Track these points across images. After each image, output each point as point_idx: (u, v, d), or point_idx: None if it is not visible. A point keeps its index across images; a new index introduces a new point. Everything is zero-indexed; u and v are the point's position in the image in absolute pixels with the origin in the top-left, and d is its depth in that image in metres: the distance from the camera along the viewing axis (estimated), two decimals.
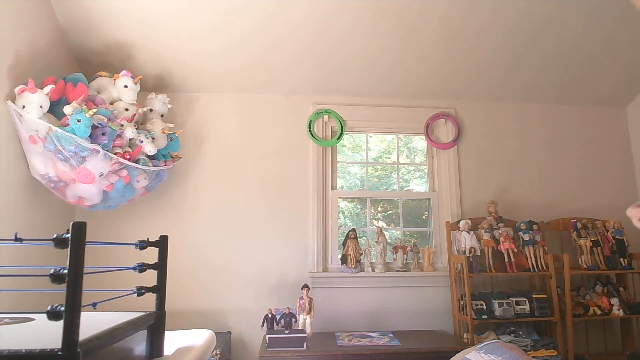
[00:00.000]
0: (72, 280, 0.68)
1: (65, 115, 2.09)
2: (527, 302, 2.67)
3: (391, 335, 2.59)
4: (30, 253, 2.22)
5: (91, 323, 0.84)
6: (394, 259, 2.95)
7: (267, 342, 2.31)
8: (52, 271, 0.69)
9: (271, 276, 2.86)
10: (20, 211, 2.22)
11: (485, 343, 2.11)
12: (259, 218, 2.93)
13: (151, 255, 1.09)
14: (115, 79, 2.45)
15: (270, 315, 2.54)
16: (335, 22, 2.56)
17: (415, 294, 2.93)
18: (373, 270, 2.89)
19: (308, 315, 2.52)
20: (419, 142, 3.36)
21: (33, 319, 0.96)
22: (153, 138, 2.47)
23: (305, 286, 2.57)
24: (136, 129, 2.38)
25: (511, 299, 2.67)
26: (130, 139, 2.35)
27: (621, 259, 2.83)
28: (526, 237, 2.81)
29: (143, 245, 1.04)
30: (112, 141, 2.21)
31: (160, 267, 1.09)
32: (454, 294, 2.78)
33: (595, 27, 2.68)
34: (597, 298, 2.80)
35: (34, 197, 2.32)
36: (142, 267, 1.04)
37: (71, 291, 0.68)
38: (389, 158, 3.49)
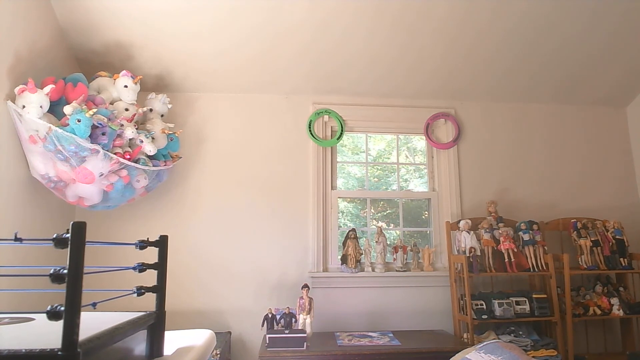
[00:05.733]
0: (72, 280, 0.68)
1: (65, 115, 2.09)
2: (527, 302, 2.66)
3: (391, 335, 2.59)
4: (30, 253, 2.22)
5: (91, 323, 0.84)
6: (394, 259, 2.95)
7: (267, 342, 2.31)
8: (52, 271, 0.69)
9: (271, 276, 2.86)
10: (20, 211, 2.22)
11: (485, 343, 2.11)
12: (259, 218, 2.93)
13: (151, 255, 1.09)
14: (115, 79, 2.45)
15: (270, 315, 2.54)
16: (335, 22, 2.56)
17: (415, 294, 2.93)
18: (373, 270, 2.89)
19: (308, 315, 2.52)
20: (419, 142, 3.36)
21: (33, 319, 0.96)
22: (153, 138, 2.47)
23: (305, 286, 2.57)
24: (136, 129, 2.38)
25: (511, 299, 2.67)
26: (130, 139, 2.35)
27: (621, 259, 2.83)
28: (526, 237, 2.81)
29: (143, 245, 1.04)
30: (112, 141, 2.21)
31: (160, 267, 1.09)
32: (454, 294, 2.78)
33: (595, 27, 2.68)
34: (597, 298, 2.80)
35: (34, 197, 2.32)
36: (142, 267, 1.04)
37: (71, 291, 0.68)
38: (389, 158, 3.49)
